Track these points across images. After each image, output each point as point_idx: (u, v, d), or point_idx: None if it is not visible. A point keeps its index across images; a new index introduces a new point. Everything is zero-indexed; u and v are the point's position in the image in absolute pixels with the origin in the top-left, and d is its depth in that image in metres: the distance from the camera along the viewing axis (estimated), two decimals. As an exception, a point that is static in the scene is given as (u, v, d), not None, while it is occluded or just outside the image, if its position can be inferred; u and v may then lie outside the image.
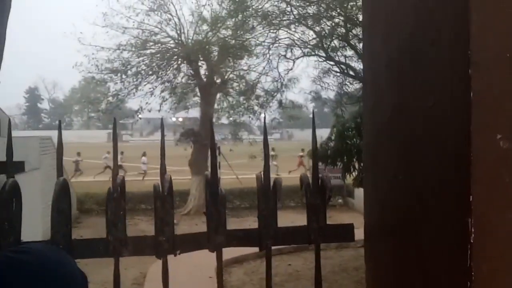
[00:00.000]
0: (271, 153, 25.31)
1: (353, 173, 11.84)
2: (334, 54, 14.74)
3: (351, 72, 14.72)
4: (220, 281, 1.53)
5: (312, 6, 14.29)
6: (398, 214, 1.30)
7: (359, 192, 18.39)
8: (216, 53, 18.34)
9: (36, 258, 0.94)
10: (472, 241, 0.99)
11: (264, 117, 1.66)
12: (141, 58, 18.51)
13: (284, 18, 15.00)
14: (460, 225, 1.01)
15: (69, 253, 1.31)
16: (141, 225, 15.34)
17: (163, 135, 1.56)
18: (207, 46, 17.97)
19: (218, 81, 19.27)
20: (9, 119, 1.52)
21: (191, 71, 19.07)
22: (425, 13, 1.17)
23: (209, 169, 1.52)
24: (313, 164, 1.61)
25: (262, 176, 1.53)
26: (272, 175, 1.52)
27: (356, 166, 11.65)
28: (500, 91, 0.99)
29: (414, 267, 1.21)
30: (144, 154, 27.10)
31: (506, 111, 0.99)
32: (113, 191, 1.44)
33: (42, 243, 1.38)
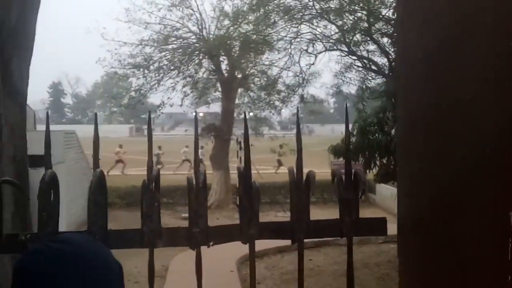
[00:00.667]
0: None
1: (374, 169, 11.75)
2: (356, 48, 14.60)
3: (373, 67, 14.57)
4: (253, 272, 1.55)
5: (334, 0, 14.19)
6: (433, 208, 1.30)
7: (380, 188, 18.26)
8: (238, 48, 18.34)
9: (74, 248, 0.97)
10: (513, 235, 0.99)
11: (298, 109, 1.66)
12: (163, 53, 18.63)
13: (306, 13, 14.91)
14: (500, 218, 1.00)
15: (105, 243, 1.34)
16: (163, 219, 15.45)
17: (196, 130, 1.58)
18: (228, 41, 17.99)
19: (239, 76, 19.28)
20: (47, 112, 1.56)
21: (212, 66, 19.13)
22: (464, 5, 1.16)
23: (242, 162, 1.54)
24: (346, 157, 1.61)
25: (295, 169, 1.53)
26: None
27: (378, 161, 11.57)
28: (542, 83, 0.98)
29: (450, 263, 1.21)
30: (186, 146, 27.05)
31: (549, 104, 0.98)
32: (148, 183, 1.46)
33: (79, 233, 1.41)
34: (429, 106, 1.29)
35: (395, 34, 12.15)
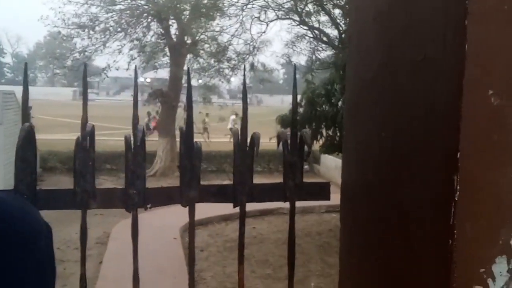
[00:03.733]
0: (233, 117, 24.81)
1: (321, 140, 11.92)
2: (308, 19, 14.59)
3: (324, 38, 14.63)
4: (192, 237, 1.49)
5: (287, -31, 14.05)
6: (380, 172, 1.27)
7: (325, 159, 18.60)
8: (188, 12, 17.91)
9: None
10: (456, 198, 0.97)
11: (244, 67, 1.60)
12: (109, 14, 17.96)
13: (259, -21, 14.72)
14: (446, 182, 0.99)
15: (33, 203, 1.24)
16: (106, 185, 15.18)
17: (136, 84, 1.48)
18: (178, 5, 17.52)
19: (189, 41, 18.90)
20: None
21: (161, 30, 18.64)
22: (419, -38, 1.11)
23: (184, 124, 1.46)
24: (293, 120, 1.56)
25: (239, 131, 1.47)
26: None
27: (324, 133, 11.74)
28: (495, 44, 0.95)
29: (395, 227, 1.19)
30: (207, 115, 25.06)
31: (500, 66, 0.96)
32: (82, 140, 1.36)
33: (4, 192, 1.30)
34: (379, 66, 1.26)
35: (346, 6, 12.20)
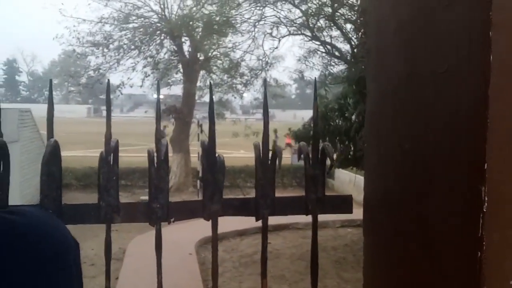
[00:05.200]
0: (248, 131, 24.78)
1: (334, 155, 11.88)
2: (320, 34, 14.64)
3: (336, 53, 14.66)
4: (215, 251, 1.49)
5: (299, -16, 14.15)
6: (402, 185, 1.27)
7: (339, 174, 18.52)
8: (200, 29, 18.10)
9: (30, 220, 0.88)
10: (484, 210, 0.96)
11: (264, 80, 1.61)
12: (123, 32, 18.22)
13: (270, -5, 14.83)
14: (472, 193, 0.98)
15: (58, 218, 1.26)
16: (122, 201, 15.24)
17: (158, 100, 1.50)
18: (191, 22, 17.72)
19: (202, 58, 19.07)
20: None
21: (174, 47, 18.85)
22: (440, -25, 1.12)
23: (207, 137, 1.47)
24: (314, 133, 1.57)
25: (260, 144, 1.48)
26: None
27: (338, 147, 11.70)
28: (520, 55, 0.96)
29: (420, 240, 1.18)
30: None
31: (525, 76, 0.96)
32: (106, 155, 1.38)
33: (32, 206, 1.32)
34: (401, 79, 1.26)
35: (358, 21, 12.24)
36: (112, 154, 1.40)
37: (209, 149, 1.43)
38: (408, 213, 1.24)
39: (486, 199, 0.96)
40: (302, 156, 1.51)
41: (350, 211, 1.53)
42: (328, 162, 1.50)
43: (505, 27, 0.95)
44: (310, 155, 1.50)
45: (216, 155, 1.43)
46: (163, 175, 1.42)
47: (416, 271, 1.21)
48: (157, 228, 1.44)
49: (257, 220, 1.48)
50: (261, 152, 1.47)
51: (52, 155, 1.32)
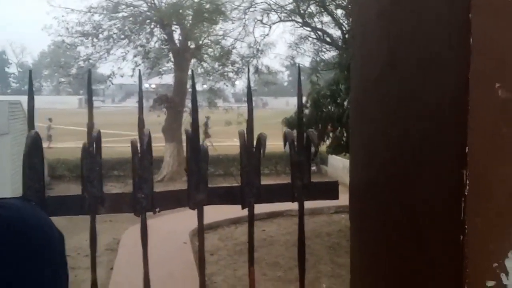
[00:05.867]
0: (241, 119, 24.91)
1: (327, 141, 11.90)
2: (311, 20, 14.59)
3: (327, 39, 14.62)
4: (201, 240, 1.49)
5: (288, -30, 14.07)
6: (387, 170, 1.27)
7: (332, 160, 18.56)
8: (191, 17, 17.95)
9: (14, 213, 0.87)
10: (466, 193, 0.96)
11: (248, 69, 1.59)
12: (112, 22, 18.04)
13: (260, -18, 14.75)
14: (455, 177, 0.98)
15: (42, 209, 1.24)
16: (114, 191, 15.19)
17: (141, 89, 1.48)
18: (181, 10, 17.57)
19: (193, 46, 18.94)
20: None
21: (164, 35, 18.69)
22: (421, -42, 1.11)
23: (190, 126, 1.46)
24: (299, 119, 1.56)
25: (245, 132, 1.47)
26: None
27: (330, 133, 11.71)
28: (500, 38, 0.95)
29: (405, 224, 1.18)
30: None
31: (506, 59, 0.95)
32: (88, 146, 1.36)
33: (15, 199, 1.30)
34: (384, 65, 1.25)
35: (349, 6, 12.19)
36: (94, 145, 1.39)
37: (192, 138, 1.41)
38: (394, 199, 1.23)
39: (468, 182, 0.96)
40: (288, 143, 1.50)
41: (336, 197, 1.52)
42: (313, 148, 1.49)
43: (485, 9, 0.94)
44: (295, 142, 1.49)
45: (200, 143, 1.42)
46: (146, 165, 1.41)
47: (402, 256, 1.21)
48: (142, 218, 1.43)
49: (243, 208, 1.48)
50: (245, 139, 1.46)
51: (33, 147, 1.30)
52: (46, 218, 0.94)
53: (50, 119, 25.13)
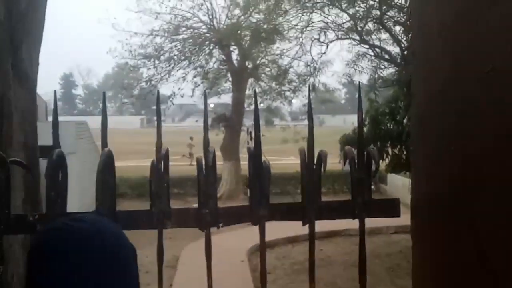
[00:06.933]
0: (298, 137, 24.79)
1: (386, 159, 11.68)
2: (369, 37, 14.47)
3: (386, 56, 14.44)
4: (263, 256, 1.52)
5: (346, -12, 14.06)
6: (450, 185, 1.26)
7: (392, 178, 18.16)
8: (248, 38, 18.26)
9: (92, 226, 0.95)
10: (534, 211, 0.95)
11: (309, 86, 1.63)
12: (173, 44, 18.61)
13: (317, 1, 14.79)
14: (519, 195, 0.96)
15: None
16: (175, 209, 15.49)
17: (206, 108, 1.55)
18: (239, 31, 17.92)
19: (250, 66, 19.21)
20: (55, 91, 1.53)
21: (223, 56, 19.08)
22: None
23: (252, 143, 1.51)
24: (359, 136, 1.57)
25: (306, 149, 1.50)
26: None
27: (390, 151, 11.49)
28: None
29: (467, 241, 1.17)
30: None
31: None
32: (157, 163, 1.43)
33: (91, 213, 1.39)
34: (447, 80, 1.25)
35: (408, 22, 12.03)
36: (162, 162, 1.45)
37: (255, 155, 1.46)
38: (458, 216, 1.22)
39: (536, 200, 0.94)
40: (348, 160, 1.52)
41: (398, 214, 1.51)
42: (374, 166, 1.49)
43: (550, 24, 0.93)
44: (356, 160, 1.50)
45: (262, 160, 1.46)
46: (211, 182, 1.46)
47: (466, 275, 1.19)
48: (206, 233, 1.48)
49: (304, 224, 1.50)
50: (306, 156, 1.48)
51: (106, 164, 1.38)
52: (120, 231, 1.01)
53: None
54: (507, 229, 1.01)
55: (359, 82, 1.56)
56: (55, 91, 1.52)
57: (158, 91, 1.57)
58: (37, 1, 3.24)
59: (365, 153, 1.51)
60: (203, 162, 1.47)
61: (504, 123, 1.03)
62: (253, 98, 1.53)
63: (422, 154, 1.43)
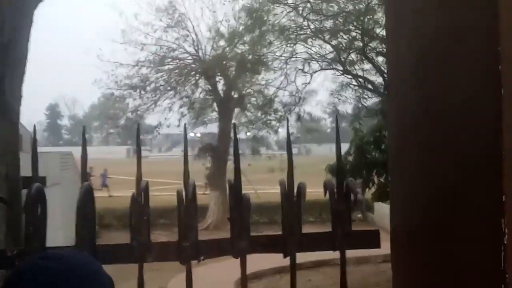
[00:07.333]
0: (284, 166, 24.85)
1: (373, 188, 11.74)
2: (352, 67, 14.71)
3: (369, 86, 14.67)
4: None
5: (328, 20, 14.33)
6: (427, 216, 1.27)
7: (379, 207, 18.19)
8: (234, 68, 18.44)
9: (62, 265, 0.94)
10: (505, 242, 0.96)
11: (287, 120, 1.65)
12: (159, 74, 18.71)
13: (301, 32, 15.05)
14: (493, 226, 0.98)
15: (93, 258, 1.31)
16: (161, 240, 15.29)
17: (186, 141, 1.56)
18: (224, 62, 18.10)
19: (236, 96, 19.34)
20: (34, 126, 1.54)
21: (209, 86, 19.20)
22: (450, 12, 1.15)
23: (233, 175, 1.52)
24: (338, 168, 1.59)
25: (286, 181, 1.51)
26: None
27: (376, 180, 11.56)
28: (532, 87, 0.97)
29: (445, 270, 1.18)
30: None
31: (538, 107, 0.97)
32: (137, 196, 1.44)
33: (68, 249, 1.38)
34: (419, 114, 1.28)
35: (390, 53, 12.24)
36: (142, 195, 1.46)
37: (235, 187, 1.47)
38: (433, 246, 1.24)
39: (506, 231, 0.96)
40: (328, 191, 1.53)
41: (378, 245, 1.53)
42: (353, 197, 1.51)
43: (514, 60, 0.97)
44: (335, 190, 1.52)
45: (242, 193, 1.47)
46: (192, 214, 1.47)
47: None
48: (187, 267, 1.48)
49: (285, 257, 1.50)
50: (286, 188, 1.50)
51: (86, 198, 1.39)
52: (95, 267, 1.00)
53: (105, 170, 25.57)
54: (485, 263, 1.03)
55: (336, 115, 1.59)
56: (34, 125, 1.52)
57: (138, 124, 1.58)
58: (20, 34, 3.26)
59: (344, 184, 1.53)
60: (184, 194, 1.48)
61: (475, 155, 1.05)
62: (233, 131, 1.55)
63: (398, 184, 1.45)
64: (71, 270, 0.93)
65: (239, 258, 1.51)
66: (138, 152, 1.53)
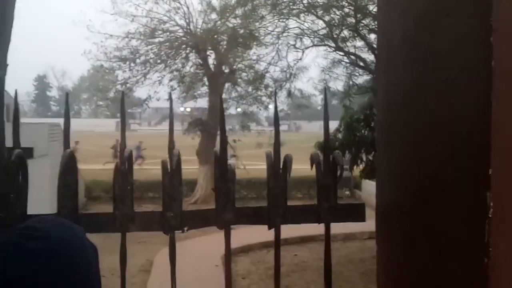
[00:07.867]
0: (272, 142, 24.86)
1: (361, 165, 11.78)
2: (344, 44, 14.63)
3: (360, 63, 14.61)
4: (228, 260, 1.51)
5: (322, -5, 14.21)
6: (411, 192, 1.27)
7: (366, 184, 18.33)
8: (225, 42, 18.26)
9: (46, 245, 0.91)
10: (490, 215, 0.96)
11: (275, 91, 1.63)
12: (149, 47, 18.48)
13: (293, 7, 14.90)
14: (478, 199, 0.98)
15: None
16: (148, 213, 15.33)
17: (171, 110, 1.53)
18: (215, 35, 17.91)
19: (227, 70, 19.20)
20: (16, 91, 1.50)
21: (199, 60, 19.02)
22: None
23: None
24: (325, 142, 1.58)
25: (272, 153, 1.50)
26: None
27: (364, 158, 11.59)
28: (522, 60, 0.95)
29: (426, 246, 1.18)
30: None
31: (528, 81, 0.95)
32: (120, 165, 1.41)
33: (50, 218, 1.35)
34: (408, 88, 1.26)
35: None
36: (126, 164, 1.44)
37: (220, 158, 1.45)
38: (417, 220, 1.23)
39: (492, 204, 0.96)
40: (314, 164, 1.52)
41: (363, 219, 1.53)
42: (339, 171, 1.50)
43: (506, 32, 0.95)
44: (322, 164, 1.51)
45: (228, 164, 1.45)
46: (176, 184, 1.45)
47: (425, 278, 1.20)
48: (171, 237, 1.47)
49: (269, 228, 1.50)
50: (272, 161, 1.48)
51: (68, 166, 1.36)
52: (77, 234, 0.98)
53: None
54: (467, 238, 1.02)
55: (325, 88, 1.57)
56: (15, 90, 1.48)
57: (122, 92, 1.55)
58: (5, 1, 3.18)
59: (331, 158, 1.51)
60: (168, 165, 1.46)
61: (460, 132, 1.04)
62: (219, 103, 1.53)
63: (385, 160, 1.44)
64: (53, 250, 0.91)
65: (223, 229, 1.50)
66: (122, 121, 1.50)
